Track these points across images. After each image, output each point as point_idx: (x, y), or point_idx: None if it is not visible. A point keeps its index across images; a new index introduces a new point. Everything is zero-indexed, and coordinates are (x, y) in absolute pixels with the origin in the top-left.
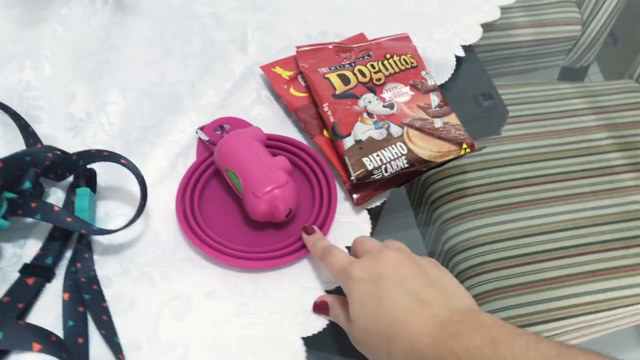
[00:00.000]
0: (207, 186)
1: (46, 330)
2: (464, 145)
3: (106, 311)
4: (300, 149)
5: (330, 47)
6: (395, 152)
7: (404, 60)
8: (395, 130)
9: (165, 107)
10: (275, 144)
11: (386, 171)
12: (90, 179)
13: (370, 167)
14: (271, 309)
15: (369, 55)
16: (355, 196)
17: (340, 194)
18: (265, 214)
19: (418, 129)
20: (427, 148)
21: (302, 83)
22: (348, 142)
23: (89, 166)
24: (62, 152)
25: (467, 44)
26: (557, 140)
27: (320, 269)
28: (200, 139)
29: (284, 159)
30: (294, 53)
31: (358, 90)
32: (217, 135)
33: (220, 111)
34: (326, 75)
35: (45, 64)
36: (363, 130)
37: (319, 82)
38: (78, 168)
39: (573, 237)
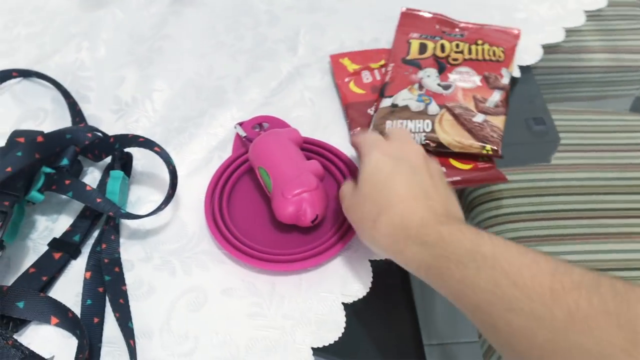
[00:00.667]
0: (238, 182)
1: (65, 305)
2: (487, 147)
3: (124, 295)
4: (335, 155)
5: (430, 16)
6: (419, 127)
7: (493, 51)
8: (433, 109)
9: (209, 99)
10: (311, 148)
11: None
12: (126, 163)
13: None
14: (285, 314)
15: (461, 34)
16: None
17: None
18: (292, 216)
19: (454, 115)
20: (450, 134)
21: (364, 80)
22: (385, 102)
23: (126, 150)
24: (102, 133)
25: (525, 64)
26: (617, 174)
27: (339, 279)
28: (237, 134)
29: (317, 163)
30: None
31: (426, 62)
32: (254, 132)
33: (262, 109)
34: (410, 40)
35: (101, 46)
36: (404, 98)
37: (399, 44)
38: (114, 151)
39: (625, 279)
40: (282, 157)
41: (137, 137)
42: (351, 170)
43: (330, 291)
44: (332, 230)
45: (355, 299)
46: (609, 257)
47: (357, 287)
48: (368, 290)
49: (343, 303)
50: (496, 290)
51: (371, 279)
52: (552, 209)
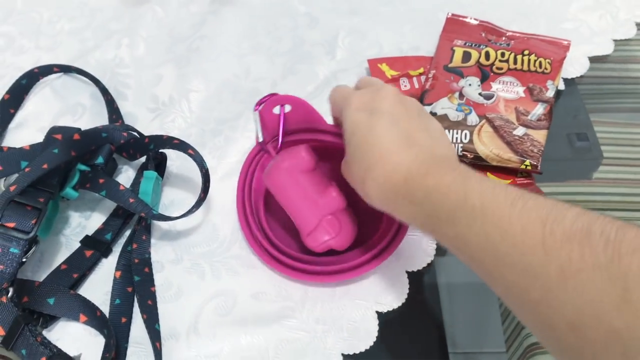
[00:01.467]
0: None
1: (93, 304)
2: (527, 162)
3: (153, 296)
4: None
5: (476, 23)
6: (457, 137)
7: (540, 62)
8: (473, 119)
9: (245, 101)
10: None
11: None
12: (160, 163)
13: None
14: (317, 318)
15: (508, 44)
16: None
17: None
18: (323, 251)
19: (494, 127)
20: (488, 147)
21: (402, 87)
22: None
23: (161, 150)
24: (138, 132)
25: (570, 77)
26: None
27: (375, 288)
28: (261, 117)
29: (337, 193)
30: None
31: (470, 70)
32: (273, 120)
33: None
34: (454, 47)
35: (140, 43)
36: (443, 106)
37: (442, 50)
38: (149, 151)
39: None
40: (299, 200)
41: (172, 138)
42: None
43: (364, 299)
44: (370, 244)
45: (390, 309)
46: None
47: (392, 298)
48: (404, 301)
49: (377, 312)
50: (487, 245)
51: (407, 291)
52: None
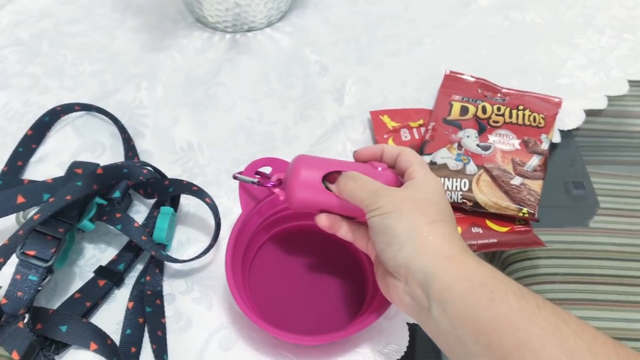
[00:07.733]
0: (260, 248)
1: (104, 332)
2: (524, 210)
3: (163, 327)
4: None
5: (472, 80)
6: (457, 186)
7: (534, 117)
8: (471, 168)
9: (259, 144)
10: None
11: None
12: (174, 197)
13: None
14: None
15: (503, 99)
16: None
17: None
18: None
19: (492, 176)
20: (487, 195)
21: (403, 138)
22: (424, 160)
23: None
24: (157, 171)
25: (566, 128)
26: None
27: (373, 340)
28: (242, 186)
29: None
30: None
31: (468, 123)
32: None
33: None
34: (452, 102)
35: (159, 86)
36: (443, 156)
37: (441, 104)
38: (167, 194)
39: None
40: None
41: (191, 185)
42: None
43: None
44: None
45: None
46: None
47: (392, 349)
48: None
49: None
50: (556, 332)
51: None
52: (589, 272)
